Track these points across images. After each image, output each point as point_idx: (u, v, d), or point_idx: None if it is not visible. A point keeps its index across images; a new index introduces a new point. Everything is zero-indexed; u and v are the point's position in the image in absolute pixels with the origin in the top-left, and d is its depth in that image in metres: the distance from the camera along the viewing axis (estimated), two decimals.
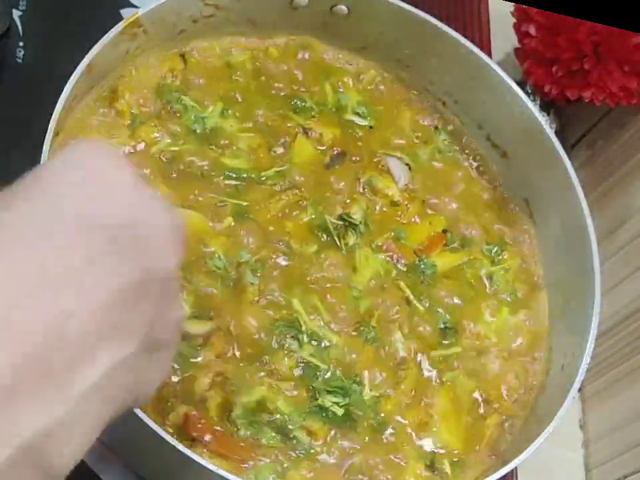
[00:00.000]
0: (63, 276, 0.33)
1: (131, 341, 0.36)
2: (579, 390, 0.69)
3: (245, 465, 0.60)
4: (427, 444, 0.66)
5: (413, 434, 0.66)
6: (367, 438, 0.64)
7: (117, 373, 0.36)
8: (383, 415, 0.65)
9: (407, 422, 0.66)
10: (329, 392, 0.64)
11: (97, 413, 0.35)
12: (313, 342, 0.65)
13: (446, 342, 0.70)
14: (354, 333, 0.67)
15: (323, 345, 0.66)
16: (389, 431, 0.65)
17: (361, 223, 0.71)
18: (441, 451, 0.66)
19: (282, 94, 0.76)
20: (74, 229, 0.34)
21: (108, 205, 0.36)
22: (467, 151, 0.79)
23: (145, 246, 0.37)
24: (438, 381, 0.68)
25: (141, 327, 0.37)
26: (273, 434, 0.61)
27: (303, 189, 0.72)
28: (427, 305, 0.71)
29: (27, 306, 0.32)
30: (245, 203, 0.69)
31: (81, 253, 0.34)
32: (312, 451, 0.62)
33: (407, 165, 0.76)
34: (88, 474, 0.66)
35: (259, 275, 0.66)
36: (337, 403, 0.63)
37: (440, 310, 0.71)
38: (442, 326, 0.70)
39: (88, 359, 0.34)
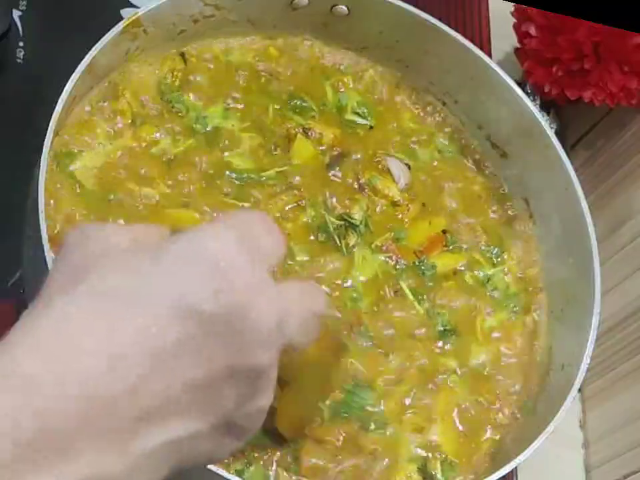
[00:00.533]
0: (150, 352, 0.35)
1: (204, 421, 0.37)
2: (579, 390, 0.69)
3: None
4: (421, 447, 0.66)
5: (408, 436, 0.65)
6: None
7: (182, 445, 0.37)
8: (380, 415, 0.65)
9: (403, 424, 0.66)
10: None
11: (151, 472, 0.37)
12: None
13: (445, 344, 0.70)
14: (352, 335, 0.67)
15: None
16: (385, 431, 0.65)
17: (361, 223, 0.71)
18: (436, 454, 0.66)
19: (282, 94, 0.76)
20: (173, 313, 0.36)
21: (213, 295, 0.36)
22: (466, 151, 0.79)
23: (240, 341, 0.37)
24: (437, 383, 0.68)
25: (218, 411, 0.38)
26: (261, 434, 0.61)
27: (302, 189, 0.72)
28: (427, 306, 0.71)
29: (108, 369, 0.34)
30: (246, 204, 0.69)
31: (173, 336, 0.36)
32: (304, 448, 0.62)
33: (406, 165, 0.76)
34: None
35: None
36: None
37: (440, 311, 0.71)
38: (441, 328, 0.70)
39: (156, 427, 0.36)
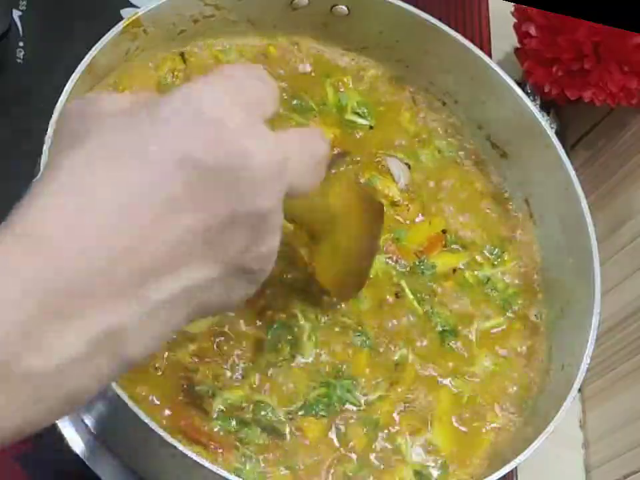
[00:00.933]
0: (157, 202, 0.37)
1: (215, 266, 0.39)
2: (579, 390, 0.69)
3: (223, 454, 0.60)
4: (418, 448, 0.65)
5: (405, 437, 0.65)
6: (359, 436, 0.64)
7: (196, 290, 0.39)
8: (377, 416, 0.65)
9: (400, 425, 0.66)
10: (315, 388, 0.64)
11: (167, 320, 0.39)
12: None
13: (445, 344, 0.70)
14: (352, 335, 0.67)
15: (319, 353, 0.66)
16: (382, 432, 0.65)
17: None
18: (432, 457, 0.65)
19: (282, 94, 0.76)
20: (174, 165, 0.37)
21: (210, 146, 0.38)
22: (466, 151, 0.79)
23: (240, 187, 0.39)
24: (435, 384, 0.68)
25: (226, 256, 0.40)
26: (260, 431, 0.61)
27: None
28: (427, 306, 0.70)
29: (121, 219, 0.36)
30: None
31: (178, 187, 0.37)
32: (301, 448, 0.62)
33: (406, 165, 0.76)
34: (85, 472, 0.66)
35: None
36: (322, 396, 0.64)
37: (439, 312, 0.71)
38: (440, 328, 0.70)
39: (170, 273, 0.38)
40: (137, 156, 0.37)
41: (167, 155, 0.37)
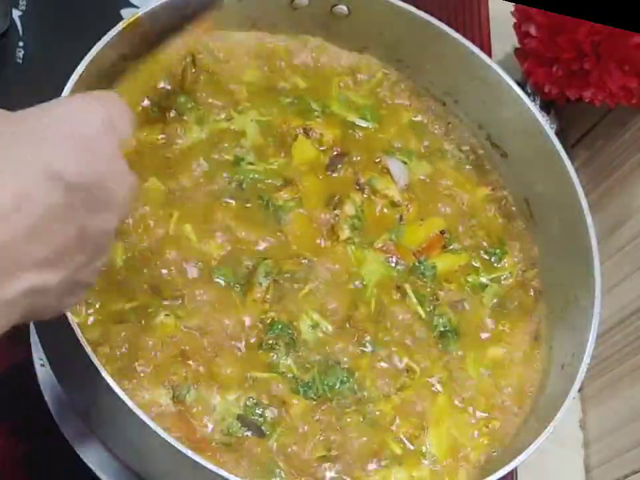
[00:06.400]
0: (26, 214, 0.39)
1: (56, 276, 0.42)
2: (579, 390, 0.69)
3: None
4: (413, 450, 0.66)
5: (402, 440, 0.65)
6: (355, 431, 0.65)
7: (35, 295, 0.41)
8: (377, 413, 0.65)
9: (398, 427, 0.66)
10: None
11: (5, 317, 0.41)
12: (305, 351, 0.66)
13: (446, 345, 0.70)
14: (354, 339, 0.67)
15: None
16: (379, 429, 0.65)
17: (354, 217, 0.71)
18: (426, 460, 0.66)
19: (282, 94, 0.76)
20: (43, 178, 0.40)
21: (80, 165, 0.42)
22: (466, 151, 0.79)
23: (98, 207, 0.43)
24: (434, 386, 0.68)
25: (69, 267, 0.43)
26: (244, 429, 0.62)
27: (302, 189, 0.72)
28: (428, 307, 0.70)
29: None
30: (247, 205, 0.70)
31: (44, 200, 0.40)
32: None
33: (406, 164, 0.76)
34: (85, 472, 0.66)
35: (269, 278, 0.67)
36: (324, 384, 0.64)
37: (440, 313, 0.71)
38: (442, 329, 0.70)
39: (17, 278, 0.40)
40: (6, 169, 0.39)
41: (36, 168, 0.40)
